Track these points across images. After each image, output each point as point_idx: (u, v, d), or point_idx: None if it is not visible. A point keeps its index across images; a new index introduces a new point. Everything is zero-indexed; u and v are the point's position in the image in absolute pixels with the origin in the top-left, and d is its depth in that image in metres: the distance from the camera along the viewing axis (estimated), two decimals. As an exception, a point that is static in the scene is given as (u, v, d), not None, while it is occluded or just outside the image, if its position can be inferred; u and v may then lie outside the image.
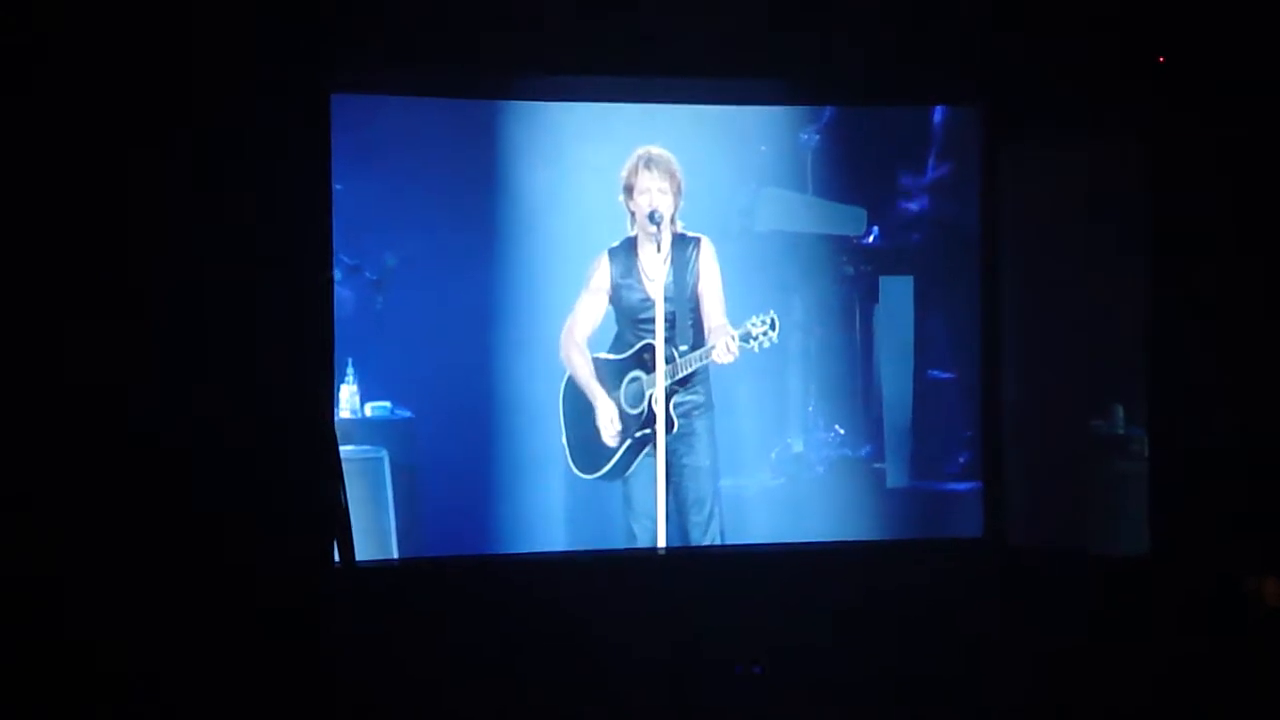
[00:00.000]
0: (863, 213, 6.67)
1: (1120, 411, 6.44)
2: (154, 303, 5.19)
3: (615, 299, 6.45)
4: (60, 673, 4.90)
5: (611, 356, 6.46)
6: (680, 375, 6.37)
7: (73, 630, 4.96)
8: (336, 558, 5.44)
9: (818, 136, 6.65)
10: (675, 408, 6.38)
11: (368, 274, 6.25)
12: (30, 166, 5.05)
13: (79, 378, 5.07)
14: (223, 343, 5.24)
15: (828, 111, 6.63)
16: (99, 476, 5.06)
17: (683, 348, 6.38)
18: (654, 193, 6.36)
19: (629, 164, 6.40)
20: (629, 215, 6.43)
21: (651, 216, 6.33)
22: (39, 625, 4.92)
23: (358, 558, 5.56)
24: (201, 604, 5.08)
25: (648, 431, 6.36)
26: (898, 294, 6.71)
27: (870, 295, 6.73)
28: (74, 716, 4.90)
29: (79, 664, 4.93)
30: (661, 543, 6.22)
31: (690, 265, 6.42)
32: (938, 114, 6.70)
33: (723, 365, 6.37)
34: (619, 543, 6.38)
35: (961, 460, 6.70)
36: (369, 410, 6.33)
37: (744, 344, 6.31)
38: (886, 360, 6.72)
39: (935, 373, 6.73)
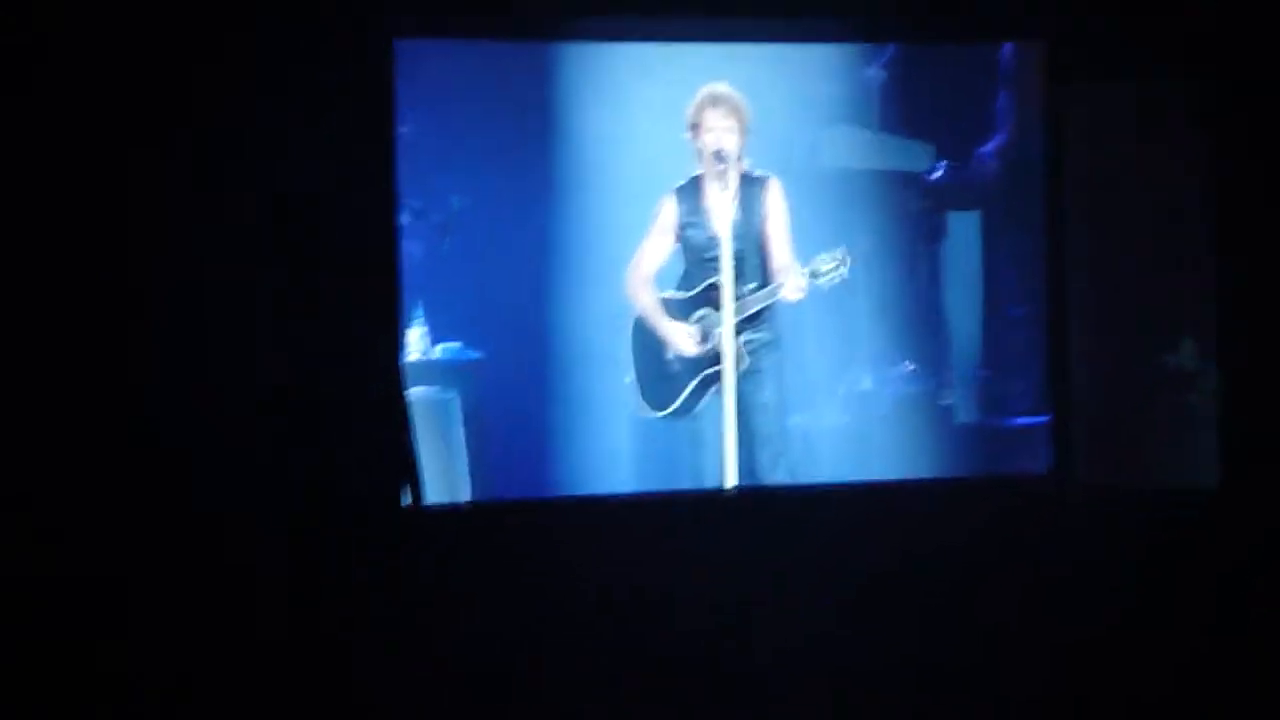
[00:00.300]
0: (930, 148, 6.62)
1: (1190, 345, 6.38)
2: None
3: (682, 237, 6.42)
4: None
5: (679, 295, 6.44)
6: (748, 313, 6.33)
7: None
8: (405, 500, 5.51)
9: (884, 72, 6.60)
10: (743, 345, 6.34)
11: (434, 216, 6.29)
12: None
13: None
14: (288, 290, 5.30)
15: (893, 47, 6.57)
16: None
17: (751, 285, 6.33)
18: (720, 131, 6.29)
19: (695, 102, 6.33)
20: (696, 153, 6.40)
21: (718, 155, 6.27)
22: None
23: (428, 500, 5.63)
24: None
25: (715, 369, 6.34)
26: (966, 229, 6.67)
27: (938, 231, 6.69)
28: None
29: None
30: (730, 482, 6.21)
31: (758, 204, 6.36)
32: (1005, 48, 6.61)
33: (790, 303, 6.33)
34: (686, 483, 6.37)
35: (1030, 395, 6.65)
36: (439, 352, 6.38)
37: (813, 281, 6.26)
38: (954, 296, 6.70)
39: (1004, 308, 6.69)
